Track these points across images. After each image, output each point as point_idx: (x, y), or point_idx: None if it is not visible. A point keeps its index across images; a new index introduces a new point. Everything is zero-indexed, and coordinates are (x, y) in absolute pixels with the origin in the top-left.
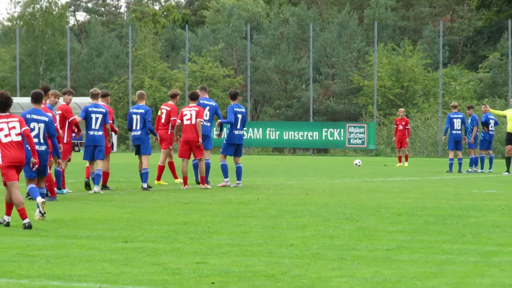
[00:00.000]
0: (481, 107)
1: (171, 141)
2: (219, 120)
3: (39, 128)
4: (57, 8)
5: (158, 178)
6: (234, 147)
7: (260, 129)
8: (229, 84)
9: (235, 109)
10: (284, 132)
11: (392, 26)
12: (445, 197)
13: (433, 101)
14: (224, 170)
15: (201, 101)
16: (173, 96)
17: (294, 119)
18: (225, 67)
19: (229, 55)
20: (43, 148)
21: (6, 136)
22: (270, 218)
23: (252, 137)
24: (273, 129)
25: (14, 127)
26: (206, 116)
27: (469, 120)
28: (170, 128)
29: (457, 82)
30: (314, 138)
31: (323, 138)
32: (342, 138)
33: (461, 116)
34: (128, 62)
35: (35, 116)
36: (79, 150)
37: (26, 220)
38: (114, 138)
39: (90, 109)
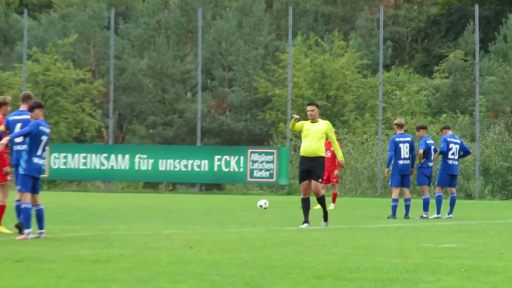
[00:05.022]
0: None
1: None
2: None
3: None
4: None
5: None
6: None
7: (127, 156)
8: (84, 92)
9: (40, 127)
10: (160, 161)
11: (314, 12)
12: (385, 253)
13: (370, 118)
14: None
15: (10, 117)
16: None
17: (175, 142)
18: (79, 68)
19: (85, 52)
20: None
21: None
22: (139, 283)
23: (115, 167)
24: (145, 156)
25: None
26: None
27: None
28: None
29: (404, 92)
30: (203, 169)
31: (216, 169)
32: (242, 169)
33: (409, 139)
34: None
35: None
36: None
37: None
38: None
39: None
